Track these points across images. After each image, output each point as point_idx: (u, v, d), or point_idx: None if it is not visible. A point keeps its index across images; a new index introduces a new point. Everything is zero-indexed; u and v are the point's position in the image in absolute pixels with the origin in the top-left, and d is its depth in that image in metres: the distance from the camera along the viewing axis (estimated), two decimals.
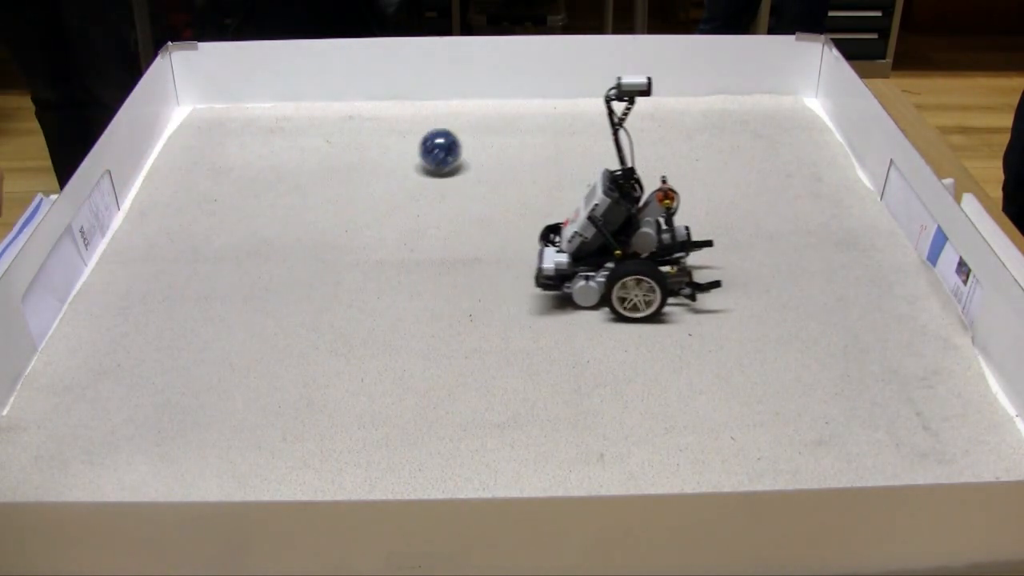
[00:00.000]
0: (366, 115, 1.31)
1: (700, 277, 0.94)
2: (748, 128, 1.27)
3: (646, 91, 0.87)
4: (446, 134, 1.17)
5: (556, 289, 0.92)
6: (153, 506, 0.69)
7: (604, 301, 0.90)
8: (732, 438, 0.77)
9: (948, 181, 1.00)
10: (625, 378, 0.84)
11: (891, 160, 1.07)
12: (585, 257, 0.92)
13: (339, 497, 0.72)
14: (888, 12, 3.26)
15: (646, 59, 1.33)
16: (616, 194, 0.89)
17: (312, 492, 0.73)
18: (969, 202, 0.96)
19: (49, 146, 2.11)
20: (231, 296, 0.95)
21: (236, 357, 0.86)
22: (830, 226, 1.05)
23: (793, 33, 1.33)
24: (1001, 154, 1.98)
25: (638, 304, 0.89)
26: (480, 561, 0.64)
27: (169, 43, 1.31)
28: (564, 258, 0.91)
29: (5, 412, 0.81)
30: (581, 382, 0.83)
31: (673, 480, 0.73)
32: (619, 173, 0.91)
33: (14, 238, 0.95)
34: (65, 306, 0.93)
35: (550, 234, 0.97)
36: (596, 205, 0.89)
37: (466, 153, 1.21)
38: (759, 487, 0.72)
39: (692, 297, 0.91)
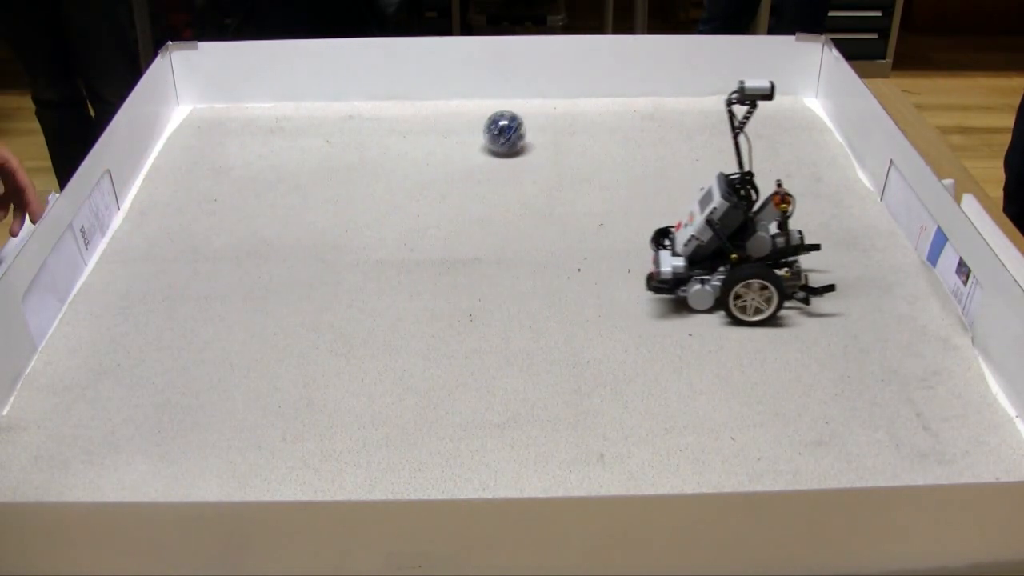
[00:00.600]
0: (366, 115, 1.31)
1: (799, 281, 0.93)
2: (748, 128, 1.26)
3: (769, 95, 0.87)
4: (503, 115, 1.19)
5: (669, 293, 0.91)
6: (153, 506, 0.69)
7: (718, 304, 0.90)
8: (732, 438, 0.77)
9: (948, 181, 1.00)
10: (625, 378, 0.84)
11: (891, 160, 1.07)
12: (700, 261, 0.91)
13: (339, 497, 0.72)
14: (888, 12, 3.25)
15: (646, 59, 1.33)
16: (735, 198, 0.89)
17: (312, 492, 0.73)
18: (969, 202, 0.96)
19: (49, 146, 2.11)
20: (231, 296, 0.95)
21: (236, 357, 0.86)
22: (830, 226, 1.05)
23: (793, 33, 1.33)
24: (1001, 154, 1.97)
25: (753, 308, 0.89)
26: (480, 561, 0.64)
27: (169, 43, 1.31)
28: (680, 262, 0.91)
29: (5, 412, 0.81)
30: (581, 382, 0.83)
31: (673, 480, 0.73)
32: (735, 177, 0.91)
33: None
34: (65, 306, 0.93)
35: (661, 238, 0.96)
36: (714, 209, 0.89)
37: (466, 153, 1.21)
38: (759, 487, 0.72)
39: (806, 301, 0.91)
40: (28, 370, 0.85)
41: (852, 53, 1.30)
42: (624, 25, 3.25)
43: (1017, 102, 1.90)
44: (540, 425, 0.79)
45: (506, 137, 1.19)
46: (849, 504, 0.66)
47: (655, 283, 0.91)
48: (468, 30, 3.25)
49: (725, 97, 0.89)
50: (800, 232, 0.92)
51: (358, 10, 2.01)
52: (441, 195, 1.12)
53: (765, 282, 0.88)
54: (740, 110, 0.89)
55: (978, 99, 3.19)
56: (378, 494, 0.72)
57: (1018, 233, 1.03)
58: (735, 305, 0.89)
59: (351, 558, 0.64)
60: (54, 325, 0.91)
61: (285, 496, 0.72)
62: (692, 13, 3.55)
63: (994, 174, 2.03)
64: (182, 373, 0.85)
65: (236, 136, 1.26)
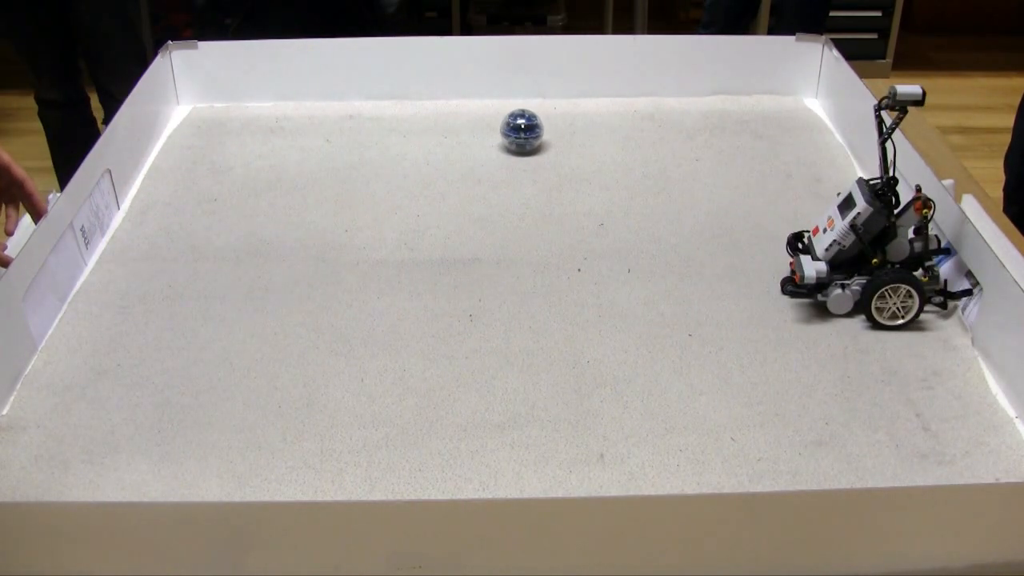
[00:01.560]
0: (366, 115, 1.31)
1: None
2: (748, 128, 1.27)
3: (920, 101, 0.88)
4: (522, 114, 1.20)
5: (808, 297, 0.91)
6: (153, 506, 0.69)
7: (857, 308, 0.90)
8: (732, 439, 0.77)
9: (948, 181, 1.00)
10: (625, 378, 0.84)
11: None
12: (839, 265, 0.91)
13: (339, 497, 0.72)
14: (888, 12, 3.25)
15: (646, 59, 1.33)
16: (878, 203, 0.89)
17: (312, 492, 0.73)
18: (969, 203, 0.96)
19: (50, 146, 2.11)
20: (231, 296, 0.95)
21: (236, 357, 0.86)
22: None
23: (793, 33, 1.33)
24: (1001, 154, 1.98)
25: (895, 312, 0.89)
26: (480, 561, 0.64)
27: (169, 42, 1.31)
28: (823, 266, 0.91)
29: (5, 412, 0.81)
30: (581, 382, 0.83)
31: (673, 480, 0.73)
32: (876, 182, 0.91)
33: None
34: (65, 305, 0.93)
35: (795, 242, 0.96)
36: (858, 214, 0.89)
37: (466, 153, 1.21)
38: (759, 488, 0.72)
39: (943, 305, 0.90)
40: (28, 370, 0.85)
41: (852, 53, 1.30)
42: (624, 25, 3.25)
43: (1017, 102, 1.91)
44: (540, 425, 0.79)
45: (531, 134, 1.19)
46: (849, 504, 0.66)
47: (793, 287, 0.91)
48: (468, 30, 3.25)
49: (875, 103, 0.90)
50: (937, 236, 0.92)
51: (358, 10, 2.01)
52: (441, 195, 1.12)
53: (909, 287, 0.88)
54: (888, 116, 0.90)
55: (978, 99, 3.19)
56: (378, 494, 0.72)
57: (1018, 233, 1.03)
58: (877, 310, 0.89)
59: (351, 558, 0.64)
60: (54, 325, 0.91)
61: (285, 496, 0.72)
62: (692, 13, 3.55)
63: (994, 174, 2.03)
64: (182, 373, 0.85)
65: (236, 136, 1.26)
